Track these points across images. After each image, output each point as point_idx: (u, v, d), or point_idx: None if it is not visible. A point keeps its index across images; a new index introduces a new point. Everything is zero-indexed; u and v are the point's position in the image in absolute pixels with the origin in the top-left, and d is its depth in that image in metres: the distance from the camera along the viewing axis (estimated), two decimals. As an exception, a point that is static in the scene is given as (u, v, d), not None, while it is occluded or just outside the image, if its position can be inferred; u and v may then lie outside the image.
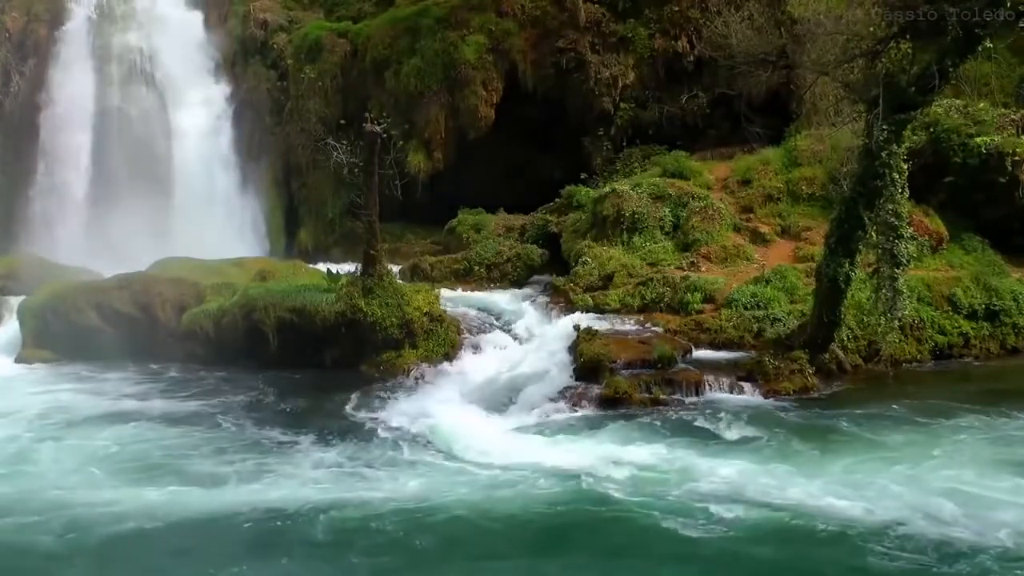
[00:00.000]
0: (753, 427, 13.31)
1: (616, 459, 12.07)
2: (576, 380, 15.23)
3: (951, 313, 17.18)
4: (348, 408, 14.86)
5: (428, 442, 13.06)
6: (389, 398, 15.14)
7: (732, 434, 13.12)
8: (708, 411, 14.01)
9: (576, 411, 14.35)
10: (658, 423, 13.65)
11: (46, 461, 12.52)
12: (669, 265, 19.30)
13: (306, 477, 11.78)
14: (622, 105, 26.00)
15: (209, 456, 12.70)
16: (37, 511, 10.70)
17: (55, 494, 11.22)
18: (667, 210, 20.67)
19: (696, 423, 13.59)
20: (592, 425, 13.63)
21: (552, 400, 14.65)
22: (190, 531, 10.30)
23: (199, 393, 15.97)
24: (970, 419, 13.34)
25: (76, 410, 14.91)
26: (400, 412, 14.42)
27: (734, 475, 11.47)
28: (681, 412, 14.11)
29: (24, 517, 10.56)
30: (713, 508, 10.54)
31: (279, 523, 10.39)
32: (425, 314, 17.21)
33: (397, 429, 13.69)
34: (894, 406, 14.03)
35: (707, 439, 12.94)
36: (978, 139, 19.41)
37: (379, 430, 13.71)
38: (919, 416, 13.55)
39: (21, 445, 13.16)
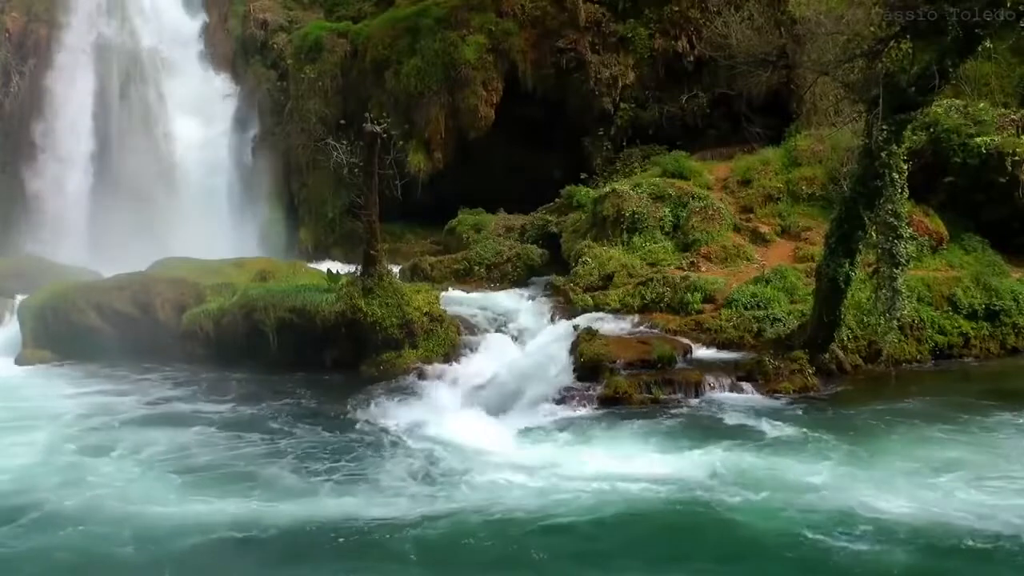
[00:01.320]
0: (790, 426, 13.22)
1: (651, 461, 11.96)
2: (576, 380, 15.22)
3: (951, 313, 17.17)
4: (356, 413, 14.74)
5: (442, 448, 12.79)
6: (390, 400, 15.10)
7: (773, 432, 13.00)
8: (726, 411, 13.99)
9: (576, 411, 14.35)
10: (675, 422, 13.57)
11: (104, 468, 12.17)
12: (669, 265, 19.29)
13: (342, 489, 11.45)
14: (622, 105, 26.01)
15: (246, 462, 12.48)
16: (109, 521, 10.43)
17: (124, 503, 10.94)
18: (667, 210, 20.66)
19: (724, 423, 13.55)
20: (605, 426, 13.55)
21: (552, 400, 14.64)
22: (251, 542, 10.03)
23: (202, 394, 15.96)
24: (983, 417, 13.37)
25: (108, 414, 14.67)
26: (404, 415, 14.35)
27: (806, 478, 11.29)
28: (687, 412, 14.07)
29: (97, 527, 10.29)
30: (802, 509, 10.31)
31: (353, 536, 10.03)
32: (425, 314, 17.21)
33: (407, 434, 13.54)
34: (901, 404, 14.04)
35: (743, 439, 12.78)
36: (978, 139, 19.40)
37: (389, 436, 13.53)
38: (945, 413, 13.55)
39: (70, 452, 12.81)
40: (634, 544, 9.93)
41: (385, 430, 13.75)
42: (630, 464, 11.88)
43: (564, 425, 13.76)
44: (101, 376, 17.14)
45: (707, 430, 13.20)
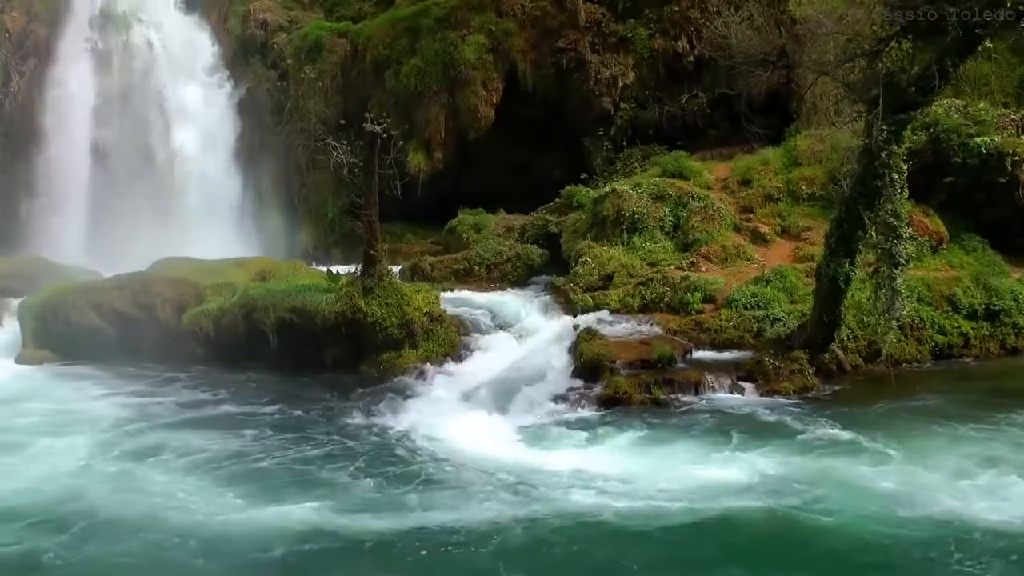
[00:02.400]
0: (812, 425, 13.10)
1: (688, 465, 11.76)
2: (576, 380, 15.22)
3: (951, 313, 17.17)
4: (357, 414, 14.67)
5: (447, 450, 12.67)
6: (391, 400, 15.08)
7: (803, 433, 12.87)
8: (734, 411, 13.94)
9: (577, 411, 14.35)
10: (689, 423, 13.47)
11: (151, 474, 11.93)
12: (669, 265, 19.29)
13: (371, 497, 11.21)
14: (622, 105, 26.02)
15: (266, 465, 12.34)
16: (173, 531, 10.13)
17: (184, 511, 10.68)
18: (667, 210, 20.66)
19: (742, 423, 13.43)
20: (614, 427, 13.48)
21: (553, 400, 14.64)
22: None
23: (224, 395, 15.87)
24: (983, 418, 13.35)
25: (138, 417, 14.48)
26: (405, 416, 14.31)
27: (863, 480, 11.12)
28: (694, 411, 14.06)
29: (159, 535, 10.03)
30: (879, 513, 10.11)
31: (415, 547, 9.73)
32: (425, 314, 17.21)
33: (411, 436, 13.44)
34: (913, 403, 14.04)
35: (774, 440, 12.62)
36: (978, 139, 19.41)
37: (393, 437, 13.43)
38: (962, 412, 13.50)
39: (112, 457, 12.58)
40: (731, 551, 9.59)
41: (388, 431, 13.71)
42: (669, 469, 11.60)
43: (567, 425, 13.74)
44: (109, 377, 17.01)
45: (726, 431, 13.03)
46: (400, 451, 12.80)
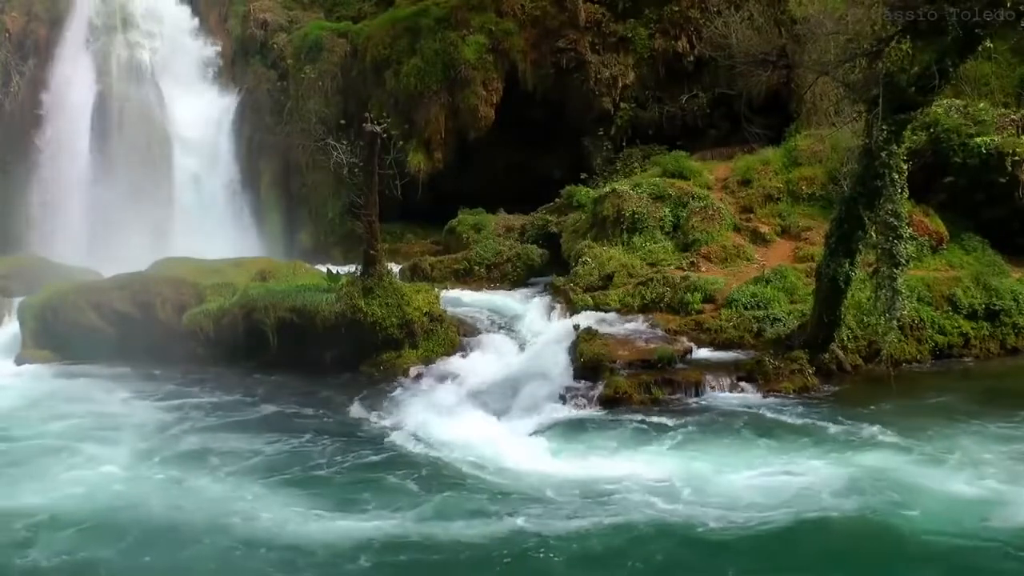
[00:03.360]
0: (840, 425, 13.08)
1: (717, 468, 11.66)
2: (576, 380, 15.22)
3: (951, 313, 17.17)
4: (359, 415, 14.74)
5: (471, 458, 12.48)
6: (391, 400, 15.11)
7: (835, 433, 12.79)
8: (735, 411, 13.93)
9: (577, 412, 14.35)
10: (702, 425, 13.41)
11: (198, 480, 11.79)
12: (669, 265, 19.29)
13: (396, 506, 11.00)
14: (622, 105, 26.02)
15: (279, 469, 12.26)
16: (237, 538, 10.04)
17: (246, 519, 10.52)
18: (667, 210, 20.66)
19: (771, 423, 13.41)
20: (619, 428, 13.47)
21: (553, 401, 14.65)
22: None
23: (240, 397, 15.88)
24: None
25: (163, 419, 14.42)
26: (406, 416, 14.32)
27: (931, 482, 11.04)
28: (698, 412, 14.06)
29: (228, 544, 9.92)
30: (960, 518, 10.02)
31: (492, 557, 9.57)
32: (425, 314, 17.21)
33: (414, 436, 13.41)
34: (924, 402, 14.07)
35: (812, 439, 12.59)
36: (978, 139, 19.40)
37: (397, 438, 13.41)
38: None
39: (155, 462, 12.44)
40: (827, 558, 9.44)
41: (394, 433, 13.70)
42: (717, 474, 11.43)
43: (570, 425, 13.72)
44: (122, 379, 16.95)
45: (750, 433, 12.98)
46: (421, 456, 12.66)
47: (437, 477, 11.76)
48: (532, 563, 9.47)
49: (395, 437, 13.42)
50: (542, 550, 9.64)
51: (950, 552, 9.37)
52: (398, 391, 15.55)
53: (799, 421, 13.50)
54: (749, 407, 14.20)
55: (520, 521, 10.30)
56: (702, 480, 11.32)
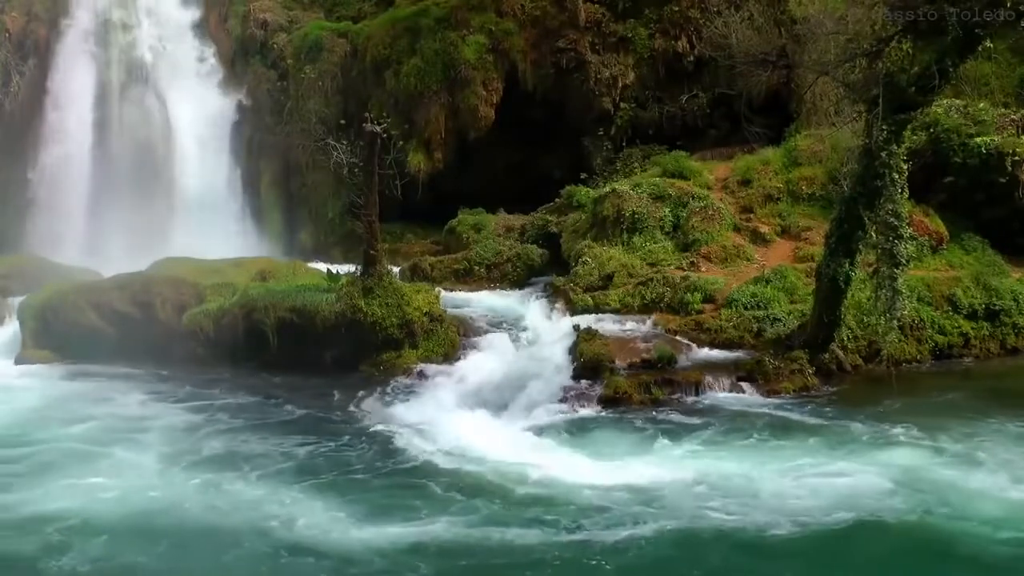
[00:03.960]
0: (858, 424, 13.05)
1: (727, 467, 11.60)
2: (576, 380, 15.22)
3: (951, 313, 17.17)
4: (360, 415, 14.73)
5: (491, 464, 12.32)
6: (391, 400, 15.13)
7: (864, 434, 12.74)
8: (744, 412, 13.93)
9: (577, 412, 14.35)
10: (715, 426, 13.39)
11: (231, 484, 11.63)
12: (669, 265, 19.29)
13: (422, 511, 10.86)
14: (622, 105, 26.01)
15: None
16: (285, 546, 9.87)
17: (284, 524, 10.41)
18: (667, 210, 20.65)
19: (784, 423, 13.39)
20: (625, 428, 13.48)
21: (553, 400, 14.65)
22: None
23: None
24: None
25: (181, 421, 14.34)
26: (407, 416, 14.35)
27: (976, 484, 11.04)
28: (695, 412, 14.09)
29: (267, 549, 9.81)
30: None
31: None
32: (425, 314, 17.22)
33: (416, 437, 13.40)
34: (934, 401, 14.12)
35: (840, 440, 12.54)
36: (978, 139, 19.40)
37: (400, 439, 13.40)
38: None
39: (179, 467, 12.32)
40: (893, 561, 9.30)
41: (393, 432, 13.71)
42: (749, 478, 11.28)
43: (573, 425, 13.70)
44: (127, 378, 16.92)
45: (768, 433, 12.93)
46: (438, 461, 12.58)
47: (465, 485, 11.51)
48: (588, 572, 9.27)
49: (404, 439, 13.36)
50: (596, 558, 9.42)
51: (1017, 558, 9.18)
52: (398, 391, 15.56)
53: (814, 420, 13.48)
54: (751, 407, 14.21)
55: (565, 528, 10.10)
56: (737, 482, 11.18)
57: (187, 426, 14.16)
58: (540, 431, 13.52)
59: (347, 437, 13.54)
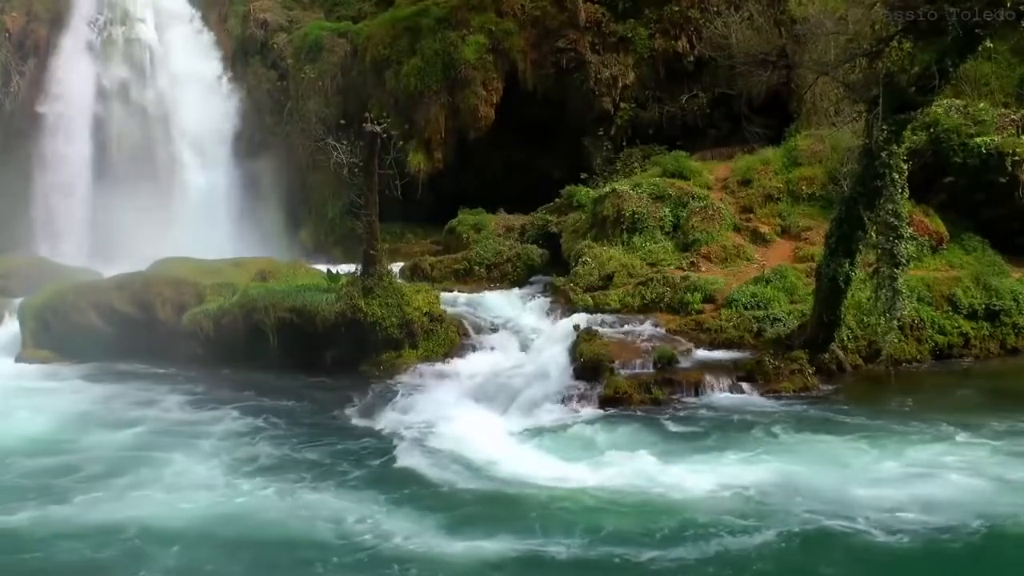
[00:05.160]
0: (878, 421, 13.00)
1: (794, 469, 11.43)
2: (576, 380, 15.22)
3: (951, 313, 17.17)
4: (362, 415, 14.72)
5: (521, 473, 12.06)
6: (392, 400, 15.11)
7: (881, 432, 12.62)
8: (756, 412, 13.87)
9: (577, 412, 14.35)
10: (733, 427, 13.32)
11: (291, 491, 11.43)
12: (669, 265, 19.28)
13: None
14: (622, 105, 26.00)
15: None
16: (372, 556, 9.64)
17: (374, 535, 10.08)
18: (667, 210, 20.65)
19: (801, 424, 13.27)
20: (629, 429, 13.42)
21: (553, 401, 14.64)
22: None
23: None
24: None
25: (204, 423, 14.23)
26: (407, 416, 14.34)
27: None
28: (687, 412, 14.08)
29: (354, 559, 9.57)
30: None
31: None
32: (425, 314, 17.23)
33: (419, 437, 13.39)
34: (944, 400, 14.13)
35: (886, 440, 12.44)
36: (978, 139, 19.40)
37: (403, 439, 13.36)
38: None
39: (225, 473, 12.09)
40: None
41: (390, 431, 13.72)
42: (813, 483, 11.04)
43: (577, 426, 13.67)
44: (158, 379, 16.91)
45: (809, 433, 12.82)
46: (445, 465, 12.45)
47: (486, 493, 11.25)
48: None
49: (407, 440, 13.29)
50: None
51: None
52: (398, 391, 15.55)
53: (849, 420, 13.38)
54: (757, 408, 14.20)
55: (656, 540, 9.74)
56: (813, 485, 10.94)
57: (231, 431, 13.98)
58: (544, 432, 13.47)
59: (352, 438, 13.53)
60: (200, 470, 12.20)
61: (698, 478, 11.29)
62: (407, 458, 12.58)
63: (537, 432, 13.49)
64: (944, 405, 13.96)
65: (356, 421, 14.42)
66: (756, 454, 12.21)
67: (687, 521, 10.11)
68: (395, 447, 13.05)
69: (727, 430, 13.24)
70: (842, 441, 12.54)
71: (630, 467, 11.79)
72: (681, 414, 14.02)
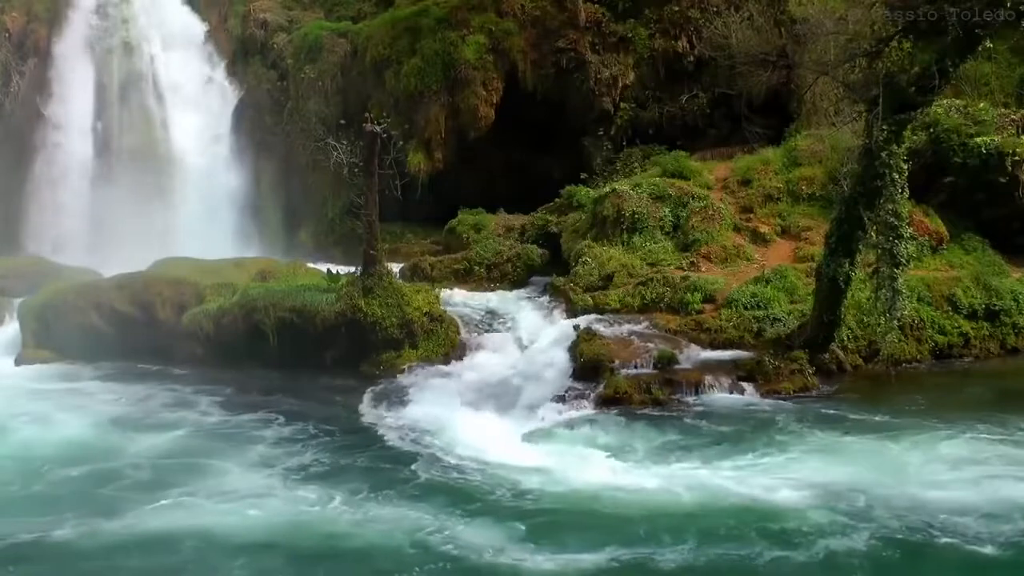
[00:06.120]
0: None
1: (858, 471, 11.35)
2: (576, 380, 15.22)
3: (951, 313, 17.17)
4: (361, 415, 14.74)
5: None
6: (392, 400, 15.12)
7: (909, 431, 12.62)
8: (766, 412, 13.88)
9: (577, 412, 14.34)
10: (749, 427, 13.30)
11: (354, 501, 11.21)
12: (669, 265, 19.28)
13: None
14: (622, 105, 25.99)
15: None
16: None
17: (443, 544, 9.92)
18: (667, 210, 20.65)
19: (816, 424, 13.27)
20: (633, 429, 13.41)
21: (552, 401, 14.65)
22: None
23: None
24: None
25: (253, 433, 13.98)
26: (407, 416, 14.38)
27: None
28: (684, 412, 14.09)
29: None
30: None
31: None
32: (425, 314, 17.22)
33: (420, 437, 13.41)
34: (951, 399, 14.20)
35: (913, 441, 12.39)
36: (978, 139, 19.40)
37: (404, 439, 13.40)
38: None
39: (278, 479, 11.95)
40: None
41: (395, 432, 13.74)
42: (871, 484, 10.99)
43: (580, 426, 13.68)
44: (177, 379, 16.90)
45: (840, 434, 12.79)
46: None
47: (501, 496, 11.12)
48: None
49: (411, 441, 13.33)
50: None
51: None
52: (398, 391, 15.56)
53: (870, 418, 13.35)
54: (757, 407, 14.22)
55: (763, 545, 9.53)
56: (876, 488, 10.84)
57: (267, 437, 13.83)
58: (547, 432, 13.48)
59: (360, 439, 13.55)
60: (255, 477, 12.00)
61: (756, 481, 11.19)
62: (438, 465, 12.35)
63: (543, 432, 13.46)
64: (958, 403, 13.99)
65: (377, 423, 14.33)
66: (798, 455, 12.14)
67: (775, 525, 9.96)
68: (404, 450, 12.96)
69: (754, 430, 13.19)
70: (874, 441, 12.52)
71: (679, 470, 11.70)
72: (698, 411, 14.03)
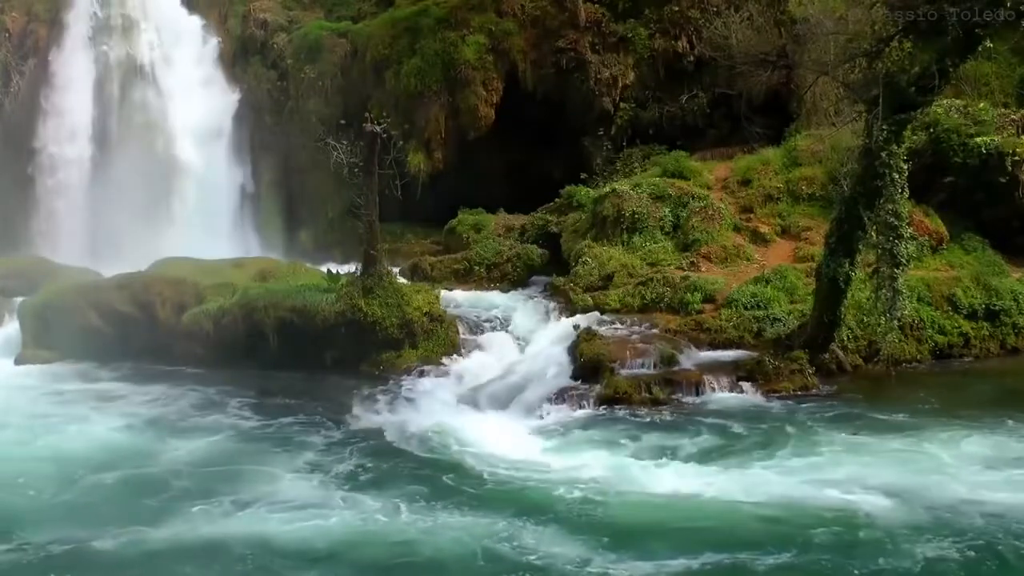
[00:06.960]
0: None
1: (895, 472, 11.29)
2: (576, 380, 15.22)
3: (951, 313, 17.18)
4: (363, 415, 14.69)
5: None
6: (391, 400, 15.11)
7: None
8: (793, 412, 13.85)
9: (577, 411, 14.35)
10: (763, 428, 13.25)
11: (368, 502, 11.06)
12: (669, 265, 19.29)
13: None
14: (622, 105, 25.99)
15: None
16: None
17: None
18: (667, 210, 20.66)
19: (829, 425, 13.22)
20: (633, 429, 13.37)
21: (553, 400, 14.65)
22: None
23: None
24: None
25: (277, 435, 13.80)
26: (408, 415, 14.36)
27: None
28: (685, 412, 14.09)
29: None
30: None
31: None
32: (425, 314, 17.22)
33: (421, 437, 13.37)
34: (954, 398, 14.17)
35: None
36: (978, 139, 19.40)
37: (405, 439, 13.36)
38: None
39: (336, 486, 11.67)
40: None
41: (395, 432, 13.73)
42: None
43: (582, 426, 13.68)
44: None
45: (866, 435, 12.73)
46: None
47: (515, 497, 10.99)
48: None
49: (413, 442, 13.26)
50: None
51: None
52: (398, 391, 15.56)
53: (884, 418, 13.33)
54: (759, 407, 14.23)
55: (845, 552, 9.40)
56: (924, 491, 10.75)
57: (307, 442, 13.58)
58: (549, 432, 13.45)
59: (363, 439, 13.51)
60: (304, 485, 11.74)
61: (795, 482, 11.12)
62: (469, 469, 12.15)
63: (546, 433, 13.43)
64: (966, 403, 13.97)
65: (369, 423, 14.30)
66: (829, 455, 12.05)
67: (853, 531, 9.83)
68: (445, 456, 12.69)
69: (771, 430, 13.14)
70: (898, 440, 12.47)
71: (712, 473, 11.58)
72: (703, 410, 14.03)
